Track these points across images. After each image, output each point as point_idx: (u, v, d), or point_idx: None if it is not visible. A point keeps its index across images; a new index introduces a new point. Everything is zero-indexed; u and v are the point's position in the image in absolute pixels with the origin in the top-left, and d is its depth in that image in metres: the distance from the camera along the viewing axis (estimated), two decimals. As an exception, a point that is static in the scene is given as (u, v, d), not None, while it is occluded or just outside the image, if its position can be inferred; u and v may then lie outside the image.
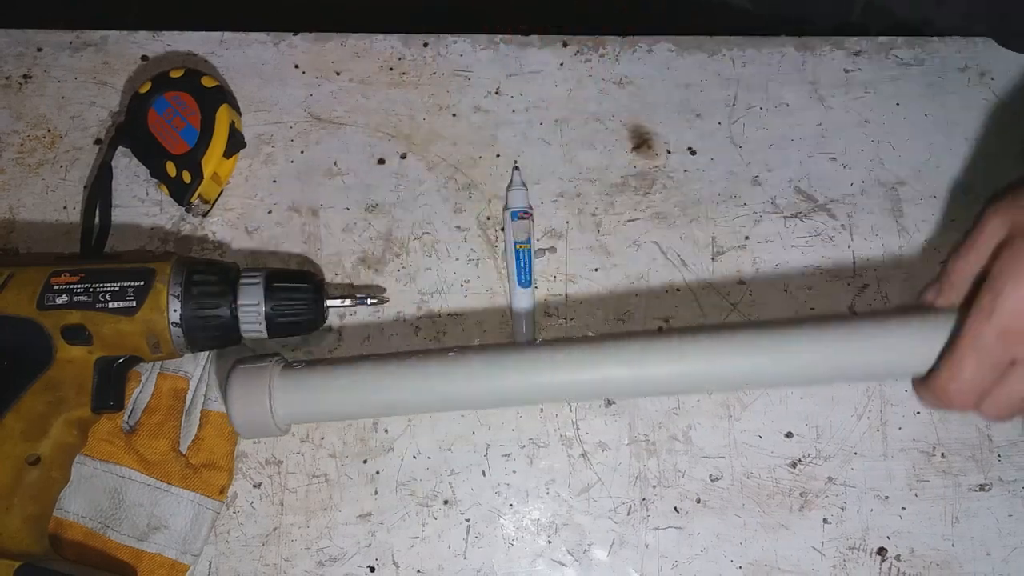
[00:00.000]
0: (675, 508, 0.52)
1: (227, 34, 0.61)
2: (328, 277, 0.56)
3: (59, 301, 0.47)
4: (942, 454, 0.53)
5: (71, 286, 0.47)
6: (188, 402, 0.52)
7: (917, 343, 0.42)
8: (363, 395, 0.46)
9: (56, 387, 0.47)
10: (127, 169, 0.57)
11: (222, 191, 0.57)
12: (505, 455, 0.53)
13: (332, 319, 0.55)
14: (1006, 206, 0.40)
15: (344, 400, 0.46)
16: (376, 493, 0.52)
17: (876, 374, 0.47)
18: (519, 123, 0.59)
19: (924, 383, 0.42)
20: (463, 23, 0.62)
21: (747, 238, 0.57)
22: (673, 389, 0.49)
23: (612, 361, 0.45)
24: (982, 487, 0.52)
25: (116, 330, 0.47)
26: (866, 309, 0.55)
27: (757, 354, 0.44)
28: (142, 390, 0.51)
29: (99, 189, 0.55)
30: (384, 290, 0.56)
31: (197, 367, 0.52)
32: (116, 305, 0.47)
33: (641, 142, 0.59)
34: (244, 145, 0.57)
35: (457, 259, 0.56)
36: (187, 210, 0.56)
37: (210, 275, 0.49)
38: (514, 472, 0.53)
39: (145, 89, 0.55)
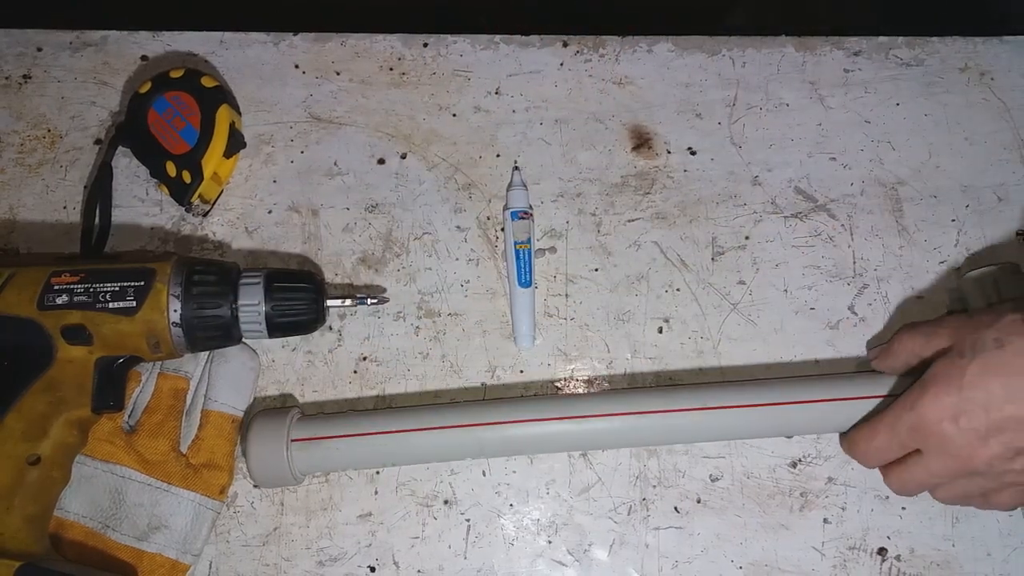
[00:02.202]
0: (675, 508, 0.52)
1: (227, 34, 0.61)
2: (328, 277, 0.56)
3: (59, 301, 0.47)
4: (942, 454, 0.53)
5: (71, 286, 0.47)
6: (188, 402, 0.52)
7: (847, 408, 0.49)
8: (376, 450, 0.50)
9: (56, 387, 0.47)
10: (127, 169, 0.57)
11: (222, 191, 0.57)
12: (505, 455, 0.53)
13: (332, 319, 0.55)
14: (960, 324, 0.47)
15: (357, 455, 0.50)
16: (376, 493, 0.52)
17: (809, 431, 0.53)
18: (519, 123, 0.59)
19: (845, 435, 0.50)
20: (463, 23, 0.62)
21: (747, 238, 0.57)
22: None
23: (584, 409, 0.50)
24: (982, 487, 0.52)
25: (116, 330, 0.47)
26: (866, 309, 0.55)
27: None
28: (142, 390, 0.51)
29: (99, 189, 0.55)
30: (384, 290, 0.56)
31: (197, 367, 0.52)
32: (116, 305, 0.47)
33: (641, 142, 0.59)
34: (244, 145, 0.57)
35: (457, 259, 0.56)
36: (187, 210, 0.56)
37: (210, 275, 0.49)
38: (514, 472, 0.53)
39: (145, 89, 0.55)
